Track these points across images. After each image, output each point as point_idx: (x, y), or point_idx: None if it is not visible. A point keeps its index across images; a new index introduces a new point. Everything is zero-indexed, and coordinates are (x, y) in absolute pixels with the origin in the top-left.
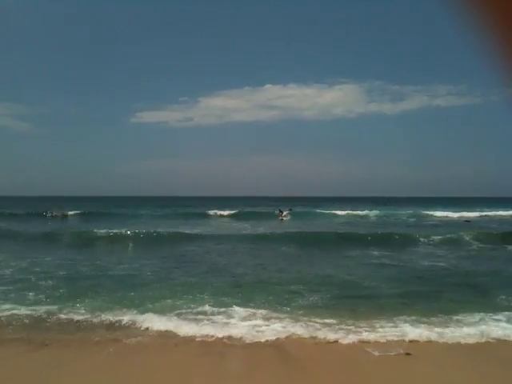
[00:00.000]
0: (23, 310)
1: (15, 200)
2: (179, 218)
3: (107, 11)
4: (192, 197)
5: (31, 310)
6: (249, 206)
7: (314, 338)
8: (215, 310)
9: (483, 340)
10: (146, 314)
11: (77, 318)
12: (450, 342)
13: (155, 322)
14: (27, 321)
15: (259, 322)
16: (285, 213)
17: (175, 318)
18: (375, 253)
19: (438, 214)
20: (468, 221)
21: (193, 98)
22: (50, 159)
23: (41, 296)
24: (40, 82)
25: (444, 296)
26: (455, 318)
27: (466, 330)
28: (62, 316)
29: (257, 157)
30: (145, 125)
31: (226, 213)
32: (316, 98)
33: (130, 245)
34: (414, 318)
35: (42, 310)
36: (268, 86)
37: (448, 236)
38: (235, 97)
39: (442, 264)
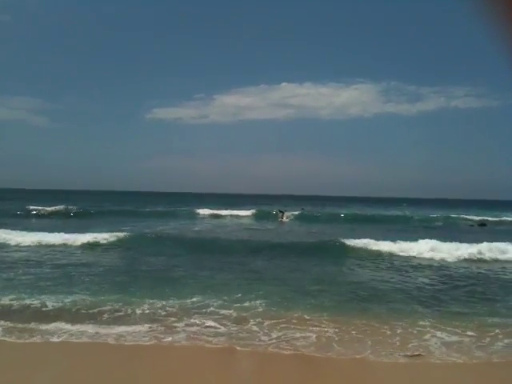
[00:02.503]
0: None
1: (35, 193)
2: (183, 216)
3: (123, 9)
4: (205, 193)
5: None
6: (255, 205)
7: (327, 340)
8: (225, 308)
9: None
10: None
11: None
12: (462, 345)
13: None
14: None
15: (272, 322)
16: (287, 214)
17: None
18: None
19: (462, 216)
20: (484, 224)
21: (208, 95)
22: (66, 153)
23: None
24: (57, 76)
25: (457, 299)
26: (469, 320)
27: (480, 333)
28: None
29: (271, 155)
30: (160, 121)
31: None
32: (332, 98)
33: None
34: (425, 320)
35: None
36: (284, 84)
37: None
38: (251, 94)
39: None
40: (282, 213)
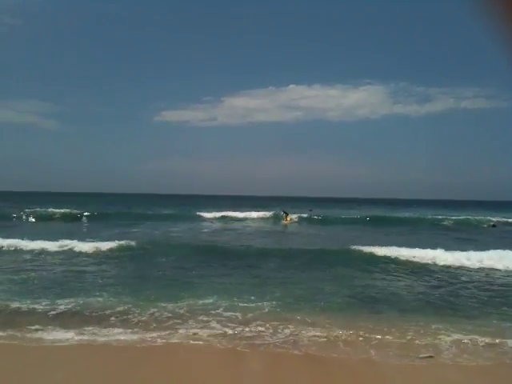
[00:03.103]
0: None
1: (45, 196)
2: (191, 219)
3: (131, 11)
4: (213, 195)
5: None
6: (262, 207)
7: (338, 340)
8: (232, 309)
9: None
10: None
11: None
12: (474, 347)
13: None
14: None
15: (279, 323)
16: (291, 216)
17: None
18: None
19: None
20: (494, 225)
21: (216, 98)
22: (76, 156)
23: None
24: (66, 80)
25: (468, 304)
26: (481, 324)
27: (491, 335)
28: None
29: (279, 157)
30: (168, 123)
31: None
32: (340, 99)
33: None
34: (437, 323)
35: None
36: (292, 86)
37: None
38: (259, 97)
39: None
40: (286, 214)
